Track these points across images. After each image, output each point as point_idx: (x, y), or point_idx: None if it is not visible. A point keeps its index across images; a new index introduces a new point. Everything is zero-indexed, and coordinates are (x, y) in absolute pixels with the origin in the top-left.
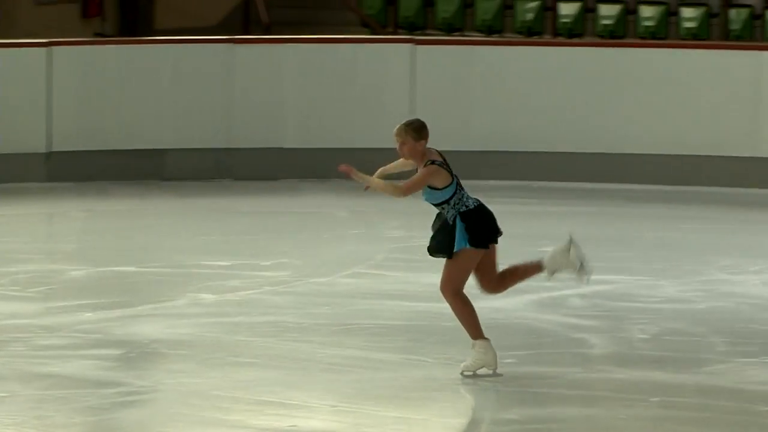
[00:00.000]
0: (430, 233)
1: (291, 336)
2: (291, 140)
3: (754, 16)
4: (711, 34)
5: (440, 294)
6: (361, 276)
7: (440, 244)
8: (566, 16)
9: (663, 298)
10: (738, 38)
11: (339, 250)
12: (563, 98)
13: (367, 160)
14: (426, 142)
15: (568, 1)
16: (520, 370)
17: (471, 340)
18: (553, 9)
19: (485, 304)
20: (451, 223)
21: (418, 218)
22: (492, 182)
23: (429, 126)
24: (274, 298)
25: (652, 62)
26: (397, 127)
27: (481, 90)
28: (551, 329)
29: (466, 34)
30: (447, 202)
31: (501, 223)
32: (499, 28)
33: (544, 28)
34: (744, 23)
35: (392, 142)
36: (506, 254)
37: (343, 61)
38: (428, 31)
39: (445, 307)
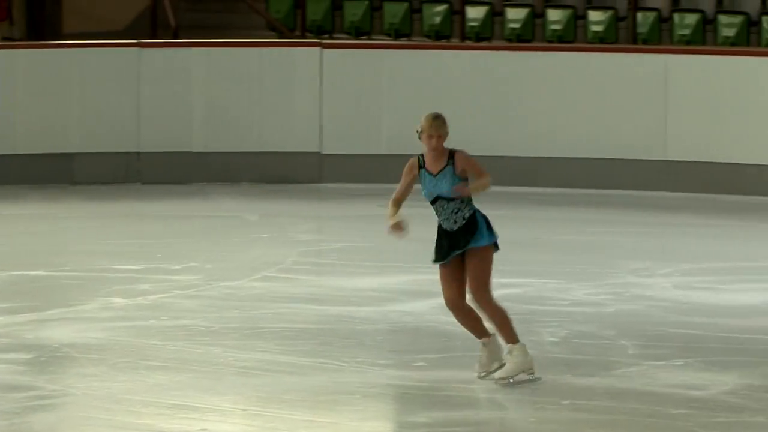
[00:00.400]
0: (342, 237)
1: (202, 340)
2: (200, 144)
3: (662, 20)
4: (618, 37)
5: (446, 306)
6: (271, 280)
7: (480, 236)
8: (474, 20)
9: (573, 301)
10: (645, 41)
11: (249, 253)
12: (471, 101)
13: (276, 162)
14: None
15: (475, 5)
16: (431, 374)
17: (507, 345)
18: (461, 13)
19: (394, 307)
20: (471, 218)
21: (327, 222)
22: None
23: (337, 130)
24: (185, 302)
25: (560, 65)
26: (433, 120)
27: (388, 93)
28: (461, 333)
29: (374, 37)
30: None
31: (412, 228)
32: (407, 32)
33: (452, 32)
34: (651, 26)
35: (302, 146)
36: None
37: (251, 64)
38: (336, 35)
39: (355, 310)
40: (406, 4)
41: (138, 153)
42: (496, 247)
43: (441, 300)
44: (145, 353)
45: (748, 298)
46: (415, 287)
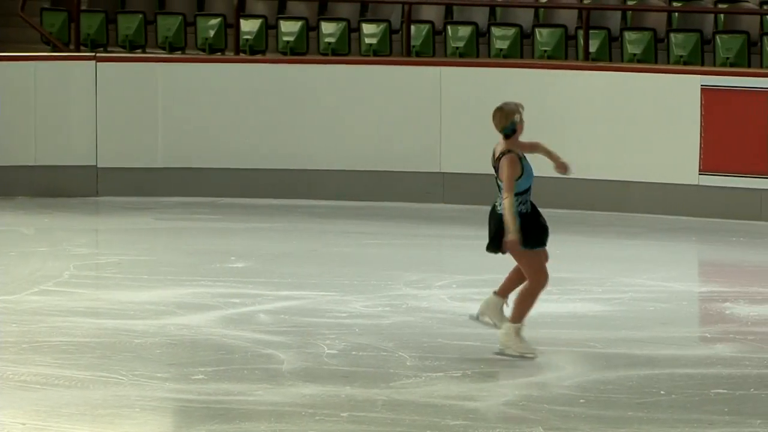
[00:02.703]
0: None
1: None
2: None
3: (435, 32)
4: (392, 50)
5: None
6: (48, 293)
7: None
8: (248, 33)
9: (351, 313)
10: (419, 54)
11: (26, 267)
12: (245, 113)
13: (51, 176)
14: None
15: (249, 18)
16: (209, 387)
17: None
18: (236, 26)
19: (171, 320)
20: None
21: (104, 236)
22: (177, 199)
23: (114, 143)
24: None
25: (334, 78)
26: (520, 107)
27: (164, 106)
28: (239, 345)
29: (148, 51)
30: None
31: (185, 241)
32: (181, 45)
33: (226, 45)
34: (425, 39)
35: (78, 160)
36: (195, 270)
37: (26, 78)
38: (110, 48)
39: (134, 324)
40: (180, 18)
41: None
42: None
43: (219, 312)
44: None
45: None
46: (193, 300)
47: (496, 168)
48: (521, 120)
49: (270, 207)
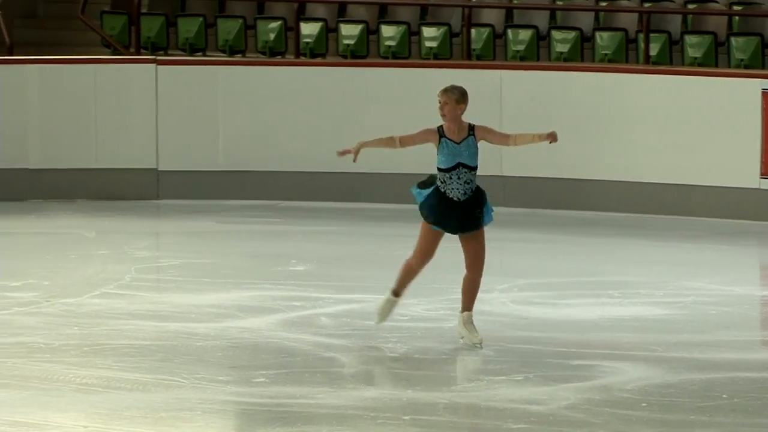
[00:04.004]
0: (180, 254)
1: (42, 357)
2: (35, 161)
3: (495, 36)
4: (452, 53)
5: (421, 260)
6: (110, 296)
7: (487, 211)
8: (308, 36)
9: (412, 316)
10: (479, 57)
11: (87, 270)
12: (306, 117)
13: (112, 179)
14: (465, 109)
15: (309, 22)
16: (270, 390)
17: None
18: (296, 29)
19: (233, 323)
20: (477, 190)
21: (165, 239)
22: (240, 202)
23: (174, 146)
24: (24, 318)
25: (395, 81)
26: (442, 90)
27: (224, 109)
28: (300, 348)
29: (209, 54)
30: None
31: (246, 244)
32: (242, 48)
33: (287, 48)
34: (485, 42)
35: (138, 163)
36: (256, 273)
37: (87, 81)
38: (171, 52)
39: (195, 327)
40: (240, 21)
41: None
42: None
43: (281, 315)
44: None
45: (585, 312)
46: (254, 303)
47: None
48: (439, 102)
49: (330, 210)
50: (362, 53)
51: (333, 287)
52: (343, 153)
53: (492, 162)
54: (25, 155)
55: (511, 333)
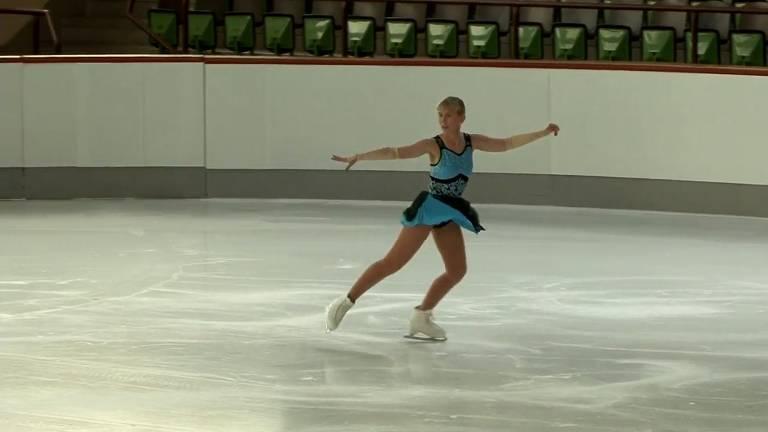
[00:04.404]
0: (227, 252)
1: (90, 355)
2: (84, 159)
3: (543, 34)
4: (500, 52)
5: (397, 263)
6: (157, 295)
7: (474, 218)
8: (356, 35)
9: (460, 315)
10: (527, 56)
11: (135, 269)
12: (354, 116)
13: (160, 177)
14: (464, 119)
15: (357, 20)
16: (318, 388)
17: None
18: (344, 28)
19: (280, 322)
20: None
21: (213, 237)
22: (285, 200)
23: (222, 144)
24: (72, 317)
25: (442, 80)
26: (442, 102)
27: (272, 108)
28: (348, 347)
29: (256, 53)
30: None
31: (293, 242)
32: (289, 47)
33: (335, 47)
34: (533, 41)
35: (186, 161)
36: (303, 272)
37: (135, 80)
38: (218, 50)
39: (243, 325)
40: (288, 20)
41: (22, 168)
42: None
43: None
44: (33, 368)
45: (633, 311)
46: (301, 302)
47: None
48: (440, 114)
49: (378, 208)
50: (410, 52)
51: (381, 286)
52: (337, 159)
53: (540, 161)
54: (73, 154)
55: (559, 332)
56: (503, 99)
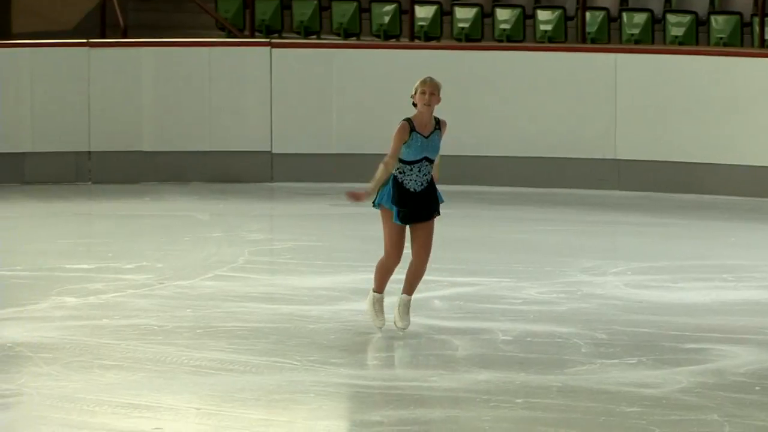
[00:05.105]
0: (293, 236)
1: (155, 339)
2: (150, 143)
3: (610, 19)
4: (567, 36)
5: (392, 260)
6: (223, 279)
7: (436, 203)
8: (423, 19)
9: (525, 299)
10: (594, 41)
11: (201, 253)
12: None
13: (226, 162)
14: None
15: (424, 5)
16: (383, 373)
17: (408, 297)
18: (410, 12)
19: (346, 306)
20: (431, 182)
21: (279, 221)
22: (353, 184)
23: (288, 129)
24: (138, 301)
25: (509, 65)
26: (427, 78)
27: (338, 93)
28: (414, 331)
29: (323, 37)
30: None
31: (360, 227)
32: (356, 32)
33: (401, 32)
34: (600, 26)
35: (252, 146)
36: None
37: (201, 64)
38: (285, 35)
39: (308, 309)
40: (354, 4)
41: (89, 152)
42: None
43: (393, 299)
44: (99, 352)
45: (699, 296)
46: (367, 286)
47: None
48: (417, 93)
49: (444, 193)
50: (477, 36)
51: (446, 270)
52: (351, 196)
53: (607, 145)
54: (139, 138)
55: (625, 316)
56: (570, 84)
